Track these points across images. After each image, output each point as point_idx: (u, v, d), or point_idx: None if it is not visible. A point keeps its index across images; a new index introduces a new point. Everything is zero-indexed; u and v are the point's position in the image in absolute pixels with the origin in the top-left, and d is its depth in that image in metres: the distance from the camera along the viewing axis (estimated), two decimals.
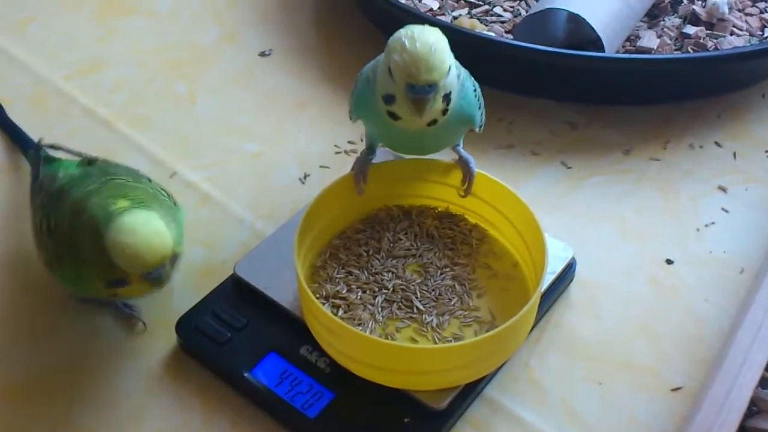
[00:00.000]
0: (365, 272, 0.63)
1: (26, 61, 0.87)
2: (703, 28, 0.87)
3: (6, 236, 0.71)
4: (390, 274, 0.63)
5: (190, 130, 0.80)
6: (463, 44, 0.79)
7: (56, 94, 0.84)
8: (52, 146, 0.70)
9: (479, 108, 0.62)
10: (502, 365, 0.61)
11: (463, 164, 0.65)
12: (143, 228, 0.53)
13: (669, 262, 0.70)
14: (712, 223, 0.73)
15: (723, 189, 0.76)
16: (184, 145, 0.79)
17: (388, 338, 0.60)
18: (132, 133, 0.80)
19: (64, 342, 0.63)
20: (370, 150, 0.66)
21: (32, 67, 0.86)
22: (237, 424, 0.59)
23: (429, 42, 0.54)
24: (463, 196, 0.66)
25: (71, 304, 0.64)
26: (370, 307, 0.61)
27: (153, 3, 0.94)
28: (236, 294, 0.64)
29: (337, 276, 0.63)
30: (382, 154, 0.68)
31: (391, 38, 0.56)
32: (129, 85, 0.85)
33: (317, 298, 0.59)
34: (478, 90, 0.63)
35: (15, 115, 0.81)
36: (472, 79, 0.62)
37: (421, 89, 0.54)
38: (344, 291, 0.62)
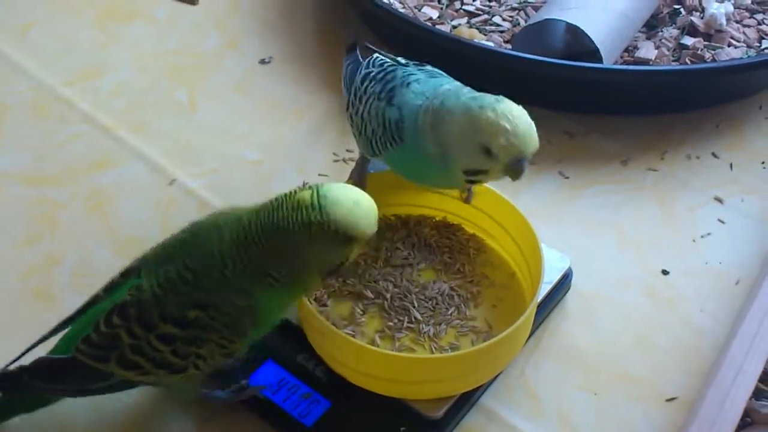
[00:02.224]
0: (362, 281, 0.64)
1: (27, 67, 0.87)
2: (701, 39, 0.87)
3: None
4: (387, 284, 0.63)
5: (190, 137, 0.81)
6: (462, 54, 0.80)
7: (56, 99, 0.84)
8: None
9: None
10: (498, 374, 0.61)
11: None
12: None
13: (665, 272, 0.70)
14: (709, 233, 0.73)
15: (719, 200, 0.76)
16: (184, 152, 0.79)
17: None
18: (132, 140, 0.80)
19: None
20: (365, 158, 0.66)
21: (32, 73, 0.87)
22: (233, 430, 0.59)
23: (524, 118, 0.55)
24: (466, 202, 0.66)
25: None
26: (367, 316, 0.62)
27: (154, 9, 0.94)
28: None
29: (335, 285, 0.63)
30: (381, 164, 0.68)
31: (477, 119, 0.54)
32: (129, 91, 0.85)
33: (314, 307, 0.59)
34: None
35: (15, 120, 0.82)
36: None
37: (525, 159, 0.55)
38: (341, 300, 0.62)
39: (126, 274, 0.55)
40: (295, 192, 0.51)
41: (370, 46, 0.69)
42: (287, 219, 0.49)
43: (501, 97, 0.56)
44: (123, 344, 0.52)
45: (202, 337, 0.52)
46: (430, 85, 0.60)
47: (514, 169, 0.55)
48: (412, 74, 0.61)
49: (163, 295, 0.52)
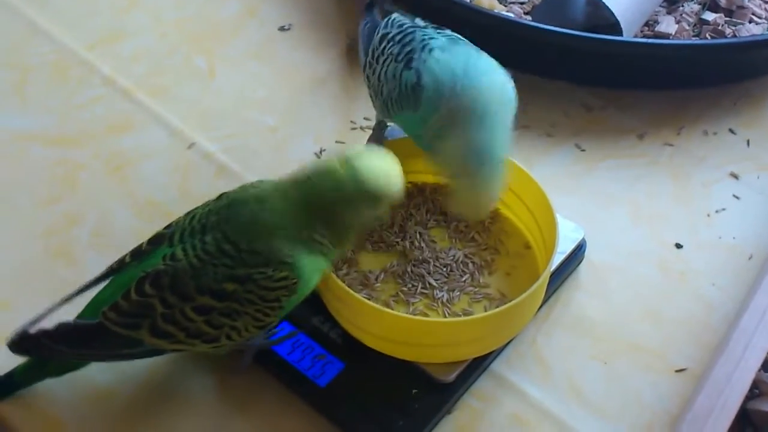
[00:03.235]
0: (378, 246, 0.64)
1: (49, 30, 0.88)
2: (722, 14, 0.87)
3: None
4: (402, 249, 0.64)
5: (209, 103, 0.81)
6: (481, 25, 0.80)
7: (78, 62, 0.85)
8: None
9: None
10: (509, 341, 0.62)
11: None
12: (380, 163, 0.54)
13: (678, 246, 0.71)
14: (723, 209, 0.74)
15: (735, 176, 0.76)
16: (203, 117, 0.80)
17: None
18: (151, 104, 0.81)
19: None
20: (382, 124, 0.67)
21: (55, 36, 0.87)
22: (249, 389, 0.60)
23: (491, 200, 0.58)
24: None
25: None
26: (382, 280, 0.62)
27: None
28: None
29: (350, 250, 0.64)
30: (398, 130, 0.69)
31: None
32: (149, 56, 0.86)
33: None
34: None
35: (37, 83, 0.83)
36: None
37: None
38: (357, 264, 0.63)
39: (154, 242, 0.56)
40: (328, 160, 0.54)
41: (389, 8, 0.69)
42: (327, 187, 0.53)
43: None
44: (155, 313, 0.53)
45: (239, 310, 0.53)
46: (458, 57, 0.59)
47: None
48: (432, 38, 0.61)
49: (201, 267, 0.52)
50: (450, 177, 0.58)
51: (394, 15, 0.66)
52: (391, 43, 0.62)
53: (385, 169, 0.54)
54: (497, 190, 0.57)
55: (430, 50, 0.59)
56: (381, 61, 0.62)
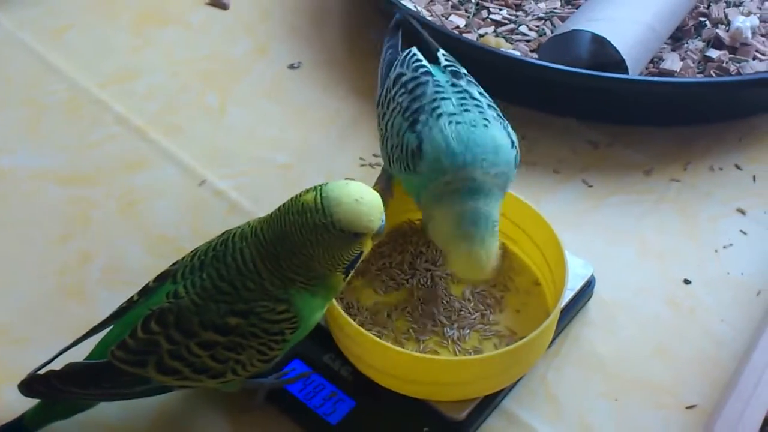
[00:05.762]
0: (388, 284, 0.65)
1: (62, 69, 0.89)
2: (726, 52, 0.88)
3: None
4: (412, 287, 0.65)
5: (221, 140, 0.82)
6: (488, 63, 0.81)
7: (91, 101, 0.86)
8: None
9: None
10: (520, 378, 0.62)
11: None
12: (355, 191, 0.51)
13: (687, 282, 0.71)
14: (731, 244, 0.74)
15: (742, 211, 0.77)
16: (214, 155, 0.81)
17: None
18: (164, 141, 0.82)
19: None
20: None
21: (68, 75, 0.89)
22: (261, 428, 0.61)
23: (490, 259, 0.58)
24: None
25: None
26: (392, 318, 0.63)
27: (187, 15, 0.96)
28: None
29: (360, 287, 0.65)
30: None
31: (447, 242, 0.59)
32: (162, 94, 0.87)
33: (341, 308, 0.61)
34: (516, 150, 0.61)
35: (50, 121, 0.84)
36: (507, 128, 0.61)
37: None
38: (367, 302, 0.63)
39: (160, 279, 0.56)
40: (301, 195, 0.52)
41: (415, 24, 0.67)
42: (294, 224, 0.51)
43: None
44: (161, 350, 0.53)
45: (243, 344, 0.53)
46: (463, 131, 0.58)
47: None
48: (443, 97, 0.60)
49: (203, 304, 0.53)
50: (445, 242, 0.59)
51: (413, 50, 0.64)
52: (402, 90, 0.61)
53: (360, 205, 0.50)
54: (493, 252, 0.57)
55: (438, 116, 0.59)
56: (390, 108, 0.62)
